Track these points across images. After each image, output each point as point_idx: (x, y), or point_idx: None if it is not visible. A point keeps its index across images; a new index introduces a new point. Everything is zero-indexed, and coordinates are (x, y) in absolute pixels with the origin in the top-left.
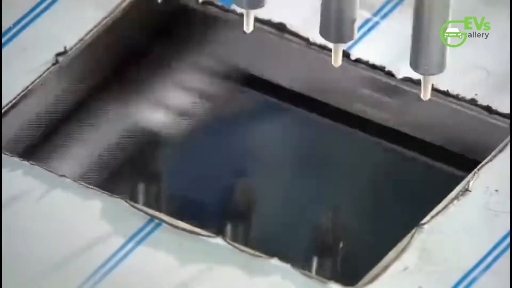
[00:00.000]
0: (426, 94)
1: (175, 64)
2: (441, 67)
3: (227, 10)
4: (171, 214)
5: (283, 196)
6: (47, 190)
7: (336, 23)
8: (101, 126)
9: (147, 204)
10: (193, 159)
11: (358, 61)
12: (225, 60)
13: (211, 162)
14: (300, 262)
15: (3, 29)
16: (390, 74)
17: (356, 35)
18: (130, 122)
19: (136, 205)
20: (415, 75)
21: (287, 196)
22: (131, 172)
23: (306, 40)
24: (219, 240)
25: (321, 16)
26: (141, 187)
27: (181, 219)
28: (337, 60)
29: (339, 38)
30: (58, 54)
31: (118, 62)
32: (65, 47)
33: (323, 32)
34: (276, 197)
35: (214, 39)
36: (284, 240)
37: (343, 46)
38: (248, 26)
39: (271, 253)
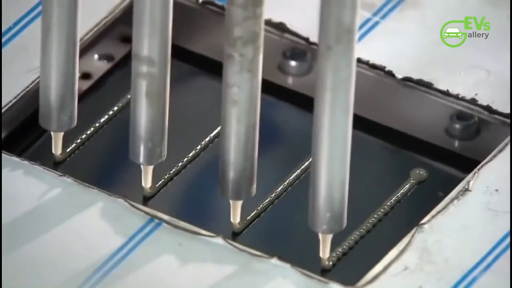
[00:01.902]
0: (325, 253)
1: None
2: (341, 225)
3: None
4: (171, 214)
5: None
6: (47, 190)
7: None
8: (102, 125)
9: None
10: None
11: (358, 61)
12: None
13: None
14: (300, 261)
15: (3, 29)
16: (390, 74)
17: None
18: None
19: (136, 205)
20: (415, 75)
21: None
22: (132, 170)
23: (306, 40)
24: (219, 240)
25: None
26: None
27: (181, 219)
28: (236, 217)
29: (237, 195)
30: None
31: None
32: None
33: (221, 190)
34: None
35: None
36: (284, 239)
37: (240, 203)
38: None
39: (270, 252)
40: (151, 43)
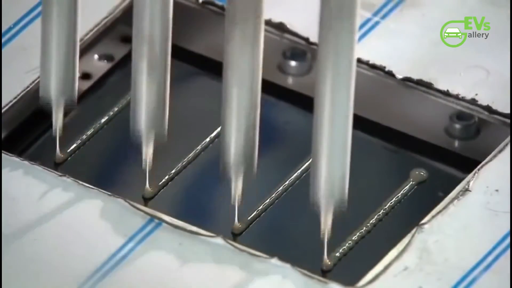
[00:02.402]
0: (326, 227)
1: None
2: (342, 202)
3: None
4: (171, 214)
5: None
6: (47, 190)
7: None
8: (102, 125)
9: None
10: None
11: (358, 61)
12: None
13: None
14: (300, 261)
15: (3, 29)
16: (390, 74)
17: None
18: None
19: (136, 205)
20: (415, 75)
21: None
22: (132, 170)
23: (306, 40)
24: (219, 240)
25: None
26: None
27: (181, 218)
28: (236, 199)
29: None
30: None
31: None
32: None
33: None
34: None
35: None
36: (284, 239)
37: (241, 184)
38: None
39: (271, 252)
40: (152, 22)
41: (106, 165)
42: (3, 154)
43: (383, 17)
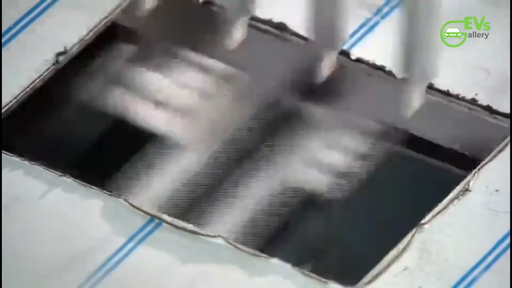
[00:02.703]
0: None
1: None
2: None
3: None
4: (171, 214)
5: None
6: (47, 190)
7: None
8: (104, 126)
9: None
10: None
11: (358, 60)
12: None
13: None
14: (299, 262)
15: (3, 29)
16: (390, 74)
17: None
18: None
19: (136, 205)
20: None
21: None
22: (132, 170)
23: (306, 39)
24: (219, 240)
25: None
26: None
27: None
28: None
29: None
30: (58, 54)
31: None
32: (65, 47)
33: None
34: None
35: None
36: (284, 239)
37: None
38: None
39: (270, 252)
40: None
41: (106, 164)
42: (3, 154)
43: (383, 17)
